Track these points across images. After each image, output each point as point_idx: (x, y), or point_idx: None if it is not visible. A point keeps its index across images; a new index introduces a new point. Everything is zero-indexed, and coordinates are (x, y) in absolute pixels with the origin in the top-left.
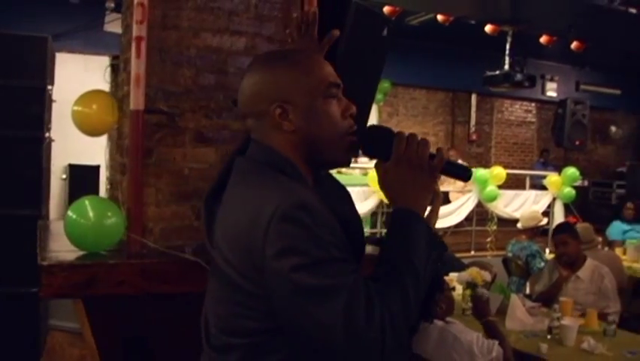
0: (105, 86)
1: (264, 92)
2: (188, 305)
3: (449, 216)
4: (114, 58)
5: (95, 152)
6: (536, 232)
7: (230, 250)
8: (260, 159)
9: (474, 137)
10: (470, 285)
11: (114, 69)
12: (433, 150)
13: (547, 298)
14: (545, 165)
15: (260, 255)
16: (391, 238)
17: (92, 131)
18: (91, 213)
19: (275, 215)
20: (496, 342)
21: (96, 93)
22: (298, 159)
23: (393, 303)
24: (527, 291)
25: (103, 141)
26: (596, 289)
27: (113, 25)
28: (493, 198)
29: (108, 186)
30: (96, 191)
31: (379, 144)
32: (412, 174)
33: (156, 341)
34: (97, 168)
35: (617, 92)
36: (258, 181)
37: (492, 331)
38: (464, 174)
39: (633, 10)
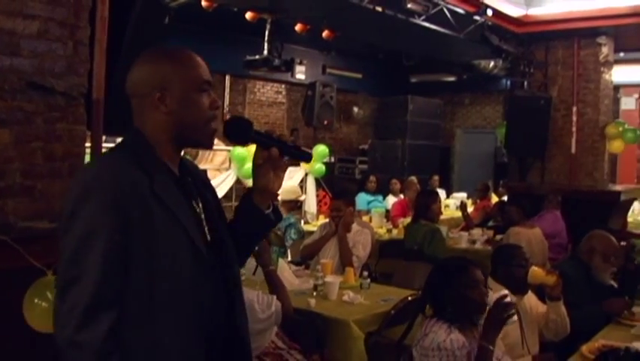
0: None
1: (148, 79)
2: None
3: None
4: None
5: None
6: (294, 206)
7: None
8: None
9: (228, 117)
10: None
11: None
12: None
13: (315, 249)
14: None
15: None
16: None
17: None
18: None
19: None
20: (274, 297)
21: None
22: (166, 137)
23: None
24: (289, 258)
25: None
26: (353, 244)
27: None
28: (251, 175)
29: None
30: None
31: (238, 132)
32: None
33: None
34: None
35: (359, 76)
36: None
37: (273, 279)
38: (306, 158)
39: (379, 9)
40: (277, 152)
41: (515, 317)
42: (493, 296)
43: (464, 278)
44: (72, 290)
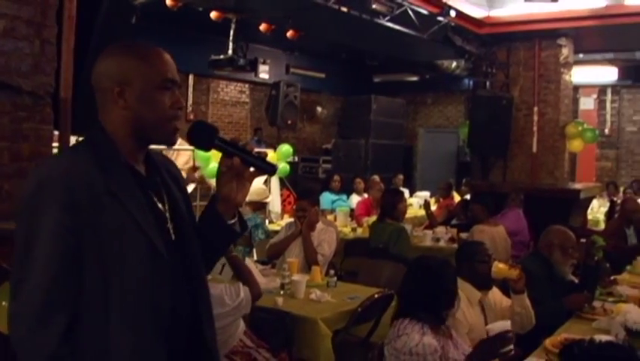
0: None
1: (109, 73)
2: None
3: None
4: None
5: None
6: (260, 205)
7: None
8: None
9: (191, 116)
10: None
11: None
12: None
13: (281, 248)
14: (259, 143)
15: None
16: None
17: None
18: None
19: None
20: (240, 284)
21: None
22: (125, 133)
23: None
24: (255, 258)
25: None
26: (318, 242)
27: None
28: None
29: None
30: None
31: (201, 138)
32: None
33: None
34: None
35: (323, 75)
36: None
37: (237, 265)
38: (270, 170)
39: (345, 9)
40: (239, 161)
41: (512, 347)
42: (495, 325)
43: (451, 274)
44: (22, 292)
